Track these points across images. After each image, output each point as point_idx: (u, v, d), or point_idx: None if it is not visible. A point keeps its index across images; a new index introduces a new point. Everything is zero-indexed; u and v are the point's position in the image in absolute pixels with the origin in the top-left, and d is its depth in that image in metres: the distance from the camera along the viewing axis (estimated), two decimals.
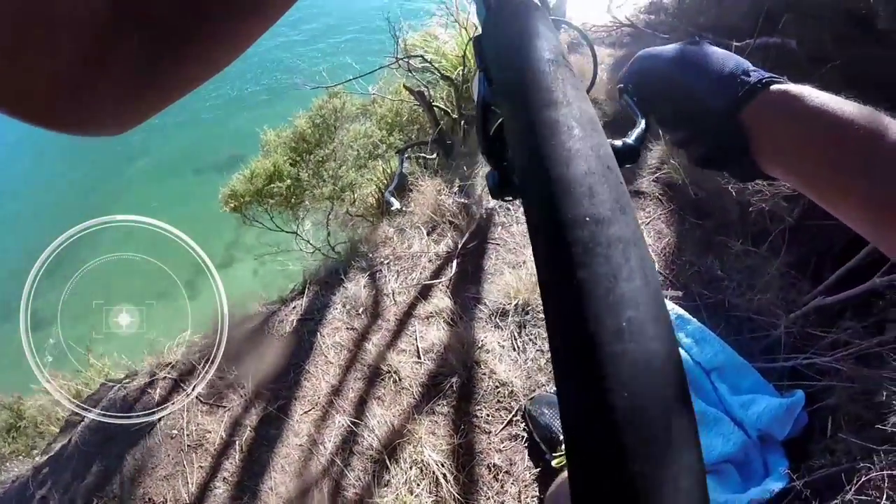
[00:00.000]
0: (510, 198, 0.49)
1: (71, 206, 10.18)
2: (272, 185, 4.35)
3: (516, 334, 2.48)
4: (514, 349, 2.44)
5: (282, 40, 13.91)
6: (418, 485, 2.18)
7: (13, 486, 3.10)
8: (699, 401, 2.07)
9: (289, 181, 4.32)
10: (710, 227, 2.62)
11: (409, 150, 4.23)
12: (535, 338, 2.45)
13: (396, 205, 3.51)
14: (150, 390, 2.91)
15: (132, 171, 10.60)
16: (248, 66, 12.51)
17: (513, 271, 2.70)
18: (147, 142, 11.14)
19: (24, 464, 3.38)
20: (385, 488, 2.19)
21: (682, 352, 2.16)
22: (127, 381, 3.17)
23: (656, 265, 2.57)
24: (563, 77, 0.37)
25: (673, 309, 2.28)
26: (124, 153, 11.11)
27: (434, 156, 4.13)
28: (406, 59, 4.34)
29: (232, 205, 4.39)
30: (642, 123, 0.55)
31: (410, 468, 2.22)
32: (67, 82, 0.28)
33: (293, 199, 4.41)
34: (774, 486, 1.80)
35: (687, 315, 2.25)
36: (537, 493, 2.06)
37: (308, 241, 4.61)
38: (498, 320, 2.54)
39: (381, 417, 2.39)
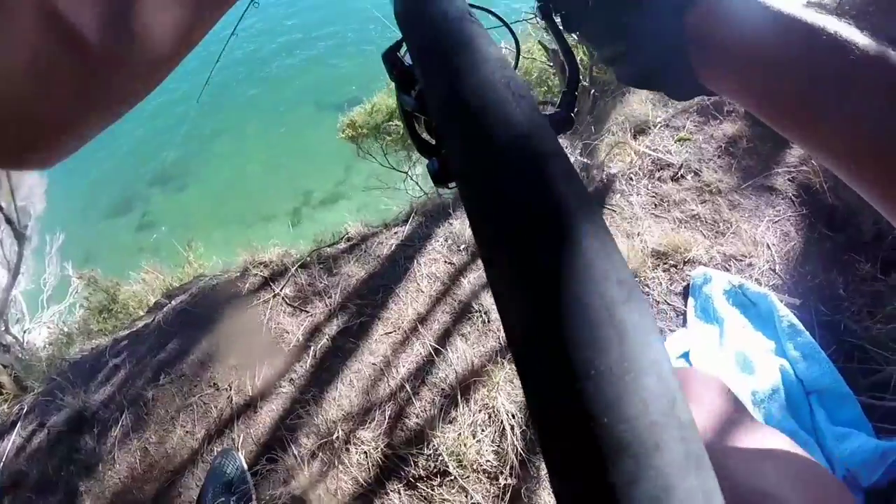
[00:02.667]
0: (452, 184, 0.46)
1: (195, 126, 10.68)
2: (391, 122, 4.30)
3: None
4: None
5: None
6: (483, 430, 2.06)
7: (91, 353, 3.19)
8: (792, 421, 1.91)
9: None
10: (840, 242, 2.37)
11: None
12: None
13: (454, 184, 3.36)
14: (239, 284, 2.90)
15: (258, 99, 10.97)
16: (382, 6, 12.68)
17: (626, 240, 2.54)
18: (279, 74, 11.50)
19: (108, 340, 3.49)
20: (449, 425, 2.09)
21: (786, 364, 2.03)
22: (220, 274, 3.19)
23: (777, 267, 2.39)
24: (468, 29, 0.40)
25: (786, 315, 2.13)
26: (255, 81, 11.52)
27: None
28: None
29: (350, 133, 4.39)
30: (568, 82, 0.52)
31: (480, 411, 2.10)
32: (15, 115, 0.30)
33: (409, 141, 4.35)
34: None
35: (800, 326, 2.09)
36: None
37: (417, 183, 4.56)
38: None
39: (462, 353, 2.27)
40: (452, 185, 0.46)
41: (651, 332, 0.24)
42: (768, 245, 2.44)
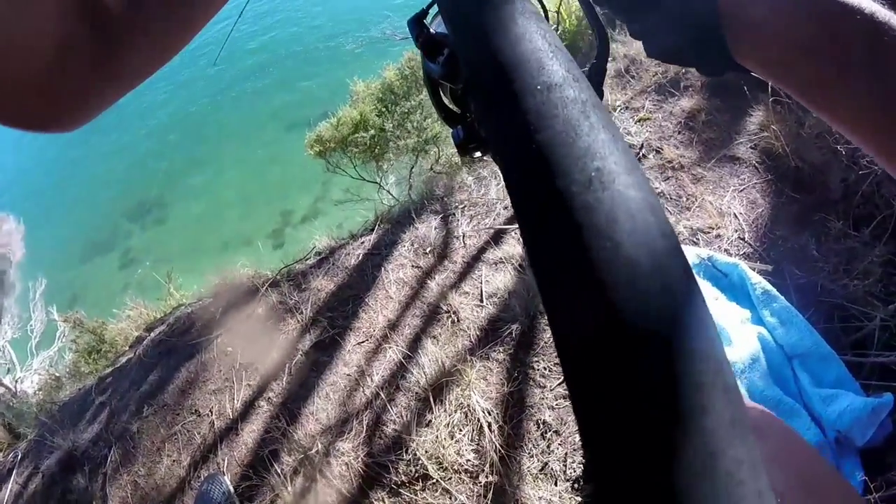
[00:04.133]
0: (478, 154, 0.49)
1: (168, 160, 10.69)
2: (357, 134, 4.32)
3: None
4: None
5: None
6: (460, 430, 2.08)
7: (78, 394, 3.22)
8: (776, 388, 1.88)
9: (373, 131, 4.28)
10: (809, 203, 2.37)
11: None
12: None
13: (478, 153, 3.39)
14: (212, 309, 2.93)
15: (228, 125, 11.01)
16: (340, 21, 12.77)
17: None
18: (247, 99, 11.55)
19: (94, 380, 3.51)
20: (426, 428, 2.10)
21: (764, 331, 1.99)
22: (195, 302, 3.22)
23: (746, 235, 2.39)
24: None
25: (759, 283, 2.11)
26: (223, 107, 11.56)
27: None
28: None
29: (317, 149, 4.41)
30: (599, 43, 0.52)
31: (455, 411, 2.12)
32: (35, 88, 0.32)
33: (377, 149, 4.38)
34: None
35: (774, 291, 2.06)
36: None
37: (389, 193, 4.58)
38: None
39: (432, 355, 2.29)
40: (477, 154, 0.49)
41: (697, 292, 0.23)
42: (735, 214, 2.46)
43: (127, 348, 3.81)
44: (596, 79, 0.48)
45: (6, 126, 0.33)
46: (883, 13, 0.44)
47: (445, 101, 0.52)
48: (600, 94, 0.44)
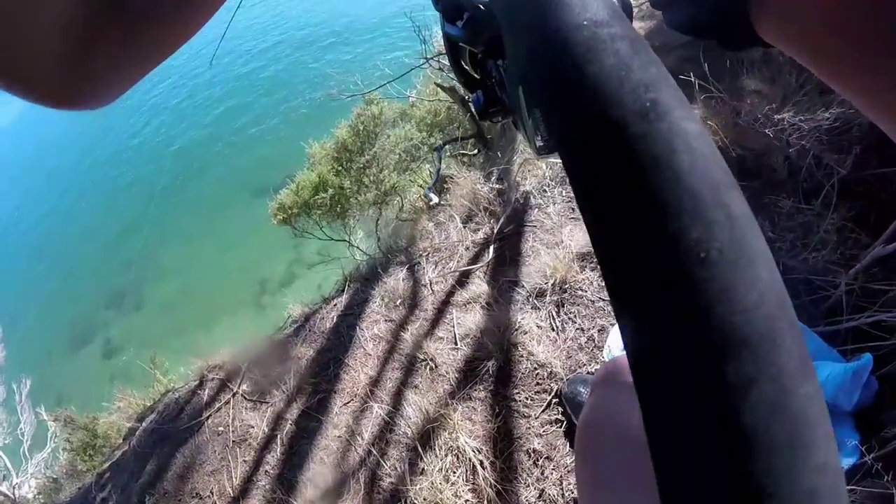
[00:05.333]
0: (499, 118, 0.48)
1: (132, 242, 10.70)
2: (318, 196, 4.42)
3: (554, 314, 2.40)
4: (553, 329, 2.36)
5: (312, 52, 14.37)
6: (454, 472, 2.13)
7: (78, 493, 3.23)
8: None
9: (332, 190, 4.38)
10: (757, 188, 2.47)
11: (448, 146, 4.22)
12: (574, 316, 2.37)
13: (435, 199, 3.51)
14: (199, 392, 2.97)
15: (194, 199, 11.07)
16: (287, 86, 12.97)
17: (549, 251, 2.64)
18: (208, 171, 11.64)
19: (92, 477, 3.51)
20: (420, 476, 2.15)
21: None
22: (182, 386, 3.26)
23: None
24: None
25: None
26: (186, 183, 11.64)
27: (475, 151, 4.11)
28: (436, 58, 4.36)
29: (281, 217, 4.49)
30: None
31: (446, 455, 2.17)
32: (62, 62, 0.32)
33: (339, 208, 4.47)
34: (844, 462, 1.65)
35: None
36: None
37: (358, 248, 4.66)
38: (535, 301, 2.48)
39: (416, 405, 2.35)
40: (497, 118, 0.49)
41: (754, 220, 0.22)
42: None
43: (121, 440, 3.82)
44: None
45: (33, 101, 0.33)
46: None
47: (465, 65, 0.51)
48: (631, 11, 0.43)
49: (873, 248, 1.95)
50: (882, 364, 1.79)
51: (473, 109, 0.48)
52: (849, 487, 1.58)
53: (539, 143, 0.43)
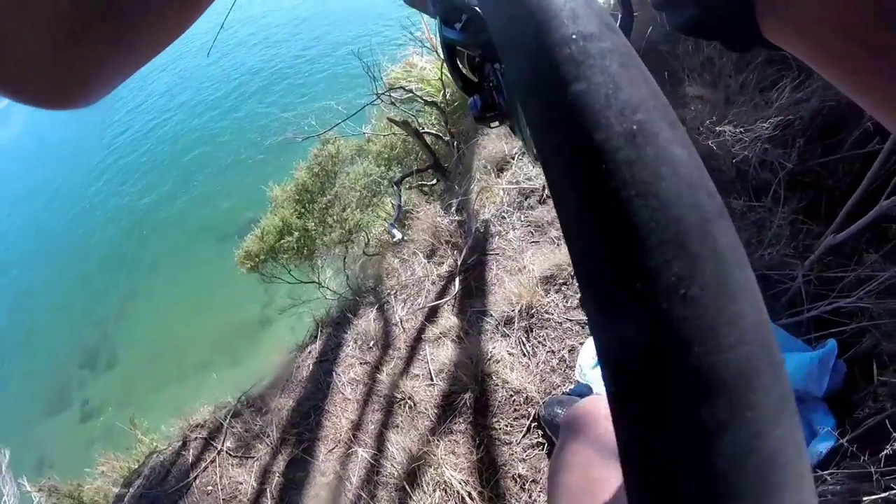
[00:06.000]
0: (496, 122, 0.48)
1: (106, 296, 10.56)
2: (283, 240, 4.45)
3: (524, 340, 2.47)
4: (524, 354, 2.43)
5: (260, 97, 14.41)
6: None
7: None
8: None
9: (297, 233, 4.42)
10: None
11: (406, 179, 4.29)
12: (544, 339, 2.44)
13: (398, 235, 3.56)
14: (183, 452, 2.98)
15: (157, 249, 10.98)
16: (241, 130, 12.98)
17: (513, 277, 2.70)
18: (169, 220, 11.55)
19: None
20: None
21: None
22: (166, 448, 3.25)
23: None
24: None
25: None
26: (148, 233, 11.55)
27: (434, 181, 4.18)
28: (387, 93, 4.44)
29: (248, 265, 4.51)
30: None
31: (434, 491, 2.22)
32: (49, 61, 0.32)
33: (305, 250, 4.51)
34: (821, 447, 1.71)
35: None
36: None
37: (329, 288, 4.68)
38: (504, 329, 2.55)
39: (399, 445, 2.40)
40: (494, 123, 0.48)
41: (742, 252, 0.22)
42: None
43: None
44: (627, 12, 0.46)
45: (19, 101, 0.33)
46: None
47: (463, 69, 0.50)
48: (631, 25, 0.43)
49: (825, 238, 2.00)
50: (846, 348, 1.85)
51: (471, 113, 0.47)
52: (829, 471, 1.66)
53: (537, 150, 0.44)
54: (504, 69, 0.36)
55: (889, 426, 1.56)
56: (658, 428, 0.19)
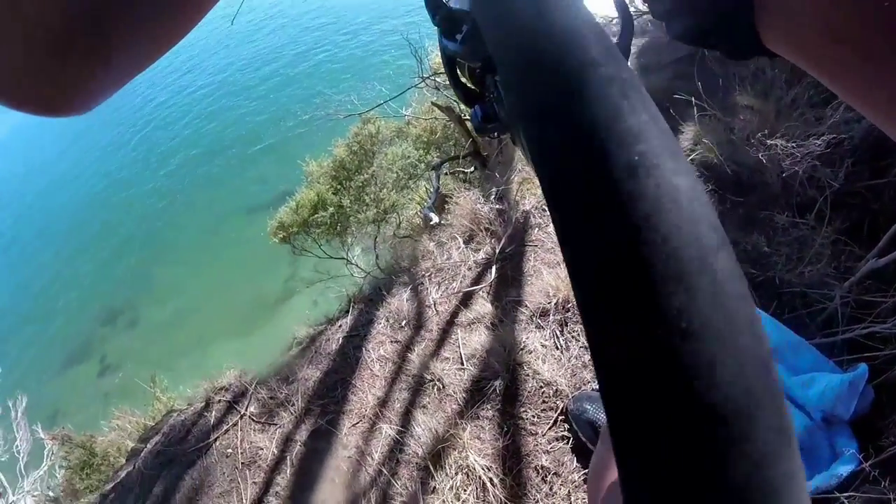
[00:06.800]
0: (496, 133, 0.48)
1: (133, 257, 10.68)
2: (317, 215, 4.46)
3: (558, 333, 2.45)
4: (557, 348, 2.41)
5: (309, 71, 14.44)
6: (465, 490, 2.16)
7: None
8: None
9: (332, 209, 4.42)
10: (752, 203, 2.53)
11: (445, 165, 4.27)
12: (578, 335, 2.42)
13: (435, 219, 3.55)
14: (206, 414, 2.99)
15: (188, 216, 11.07)
16: (284, 103, 13.02)
17: (551, 270, 2.68)
18: (203, 188, 11.64)
19: (95, 497, 3.51)
20: (432, 495, 2.19)
21: None
22: (187, 408, 3.27)
23: None
24: None
25: None
26: (181, 199, 11.65)
27: (472, 169, 4.17)
28: (432, 77, 4.42)
29: (281, 236, 4.53)
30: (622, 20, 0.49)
31: (456, 474, 2.21)
32: (44, 70, 0.32)
33: (338, 226, 4.51)
34: (842, 469, 1.70)
35: None
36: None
37: (358, 266, 4.69)
38: (539, 320, 2.53)
39: (425, 425, 2.39)
40: (495, 134, 0.47)
41: (744, 283, 0.21)
42: None
43: (124, 461, 3.82)
44: (625, 41, 0.46)
45: (14, 108, 0.33)
46: None
47: (463, 79, 0.50)
48: (628, 54, 0.42)
49: (867, 261, 1.99)
50: (877, 374, 1.83)
51: (471, 124, 0.47)
52: (848, 494, 1.64)
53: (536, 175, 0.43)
54: (503, 88, 0.34)
55: None
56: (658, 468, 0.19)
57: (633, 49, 4.26)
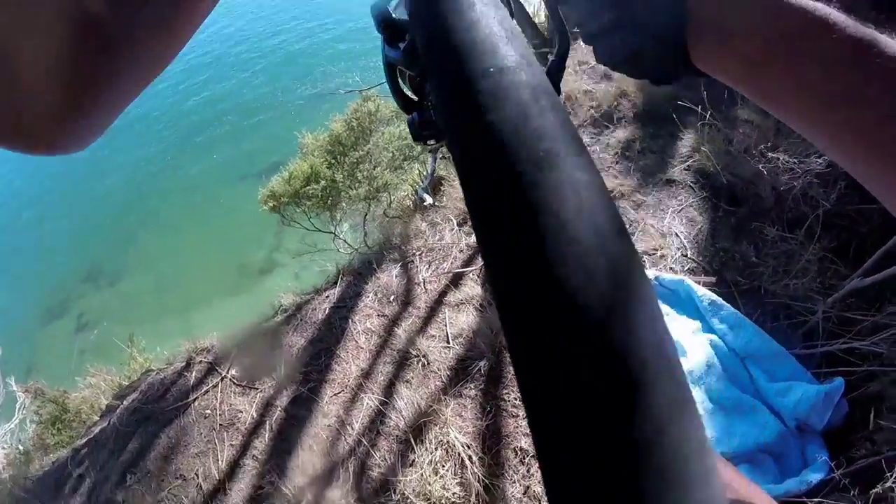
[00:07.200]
0: (432, 140, 0.48)
1: (119, 217, 10.56)
2: (309, 187, 4.44)
3: None
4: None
5: (313, 46, 14.31)
6: (443, 465, 2.19)
7: (53, 467, 3.21)
8: (734, 388, 2.03)
9: (324, 182, 4.41)
10: (744, 214, 2.59)
11: (442, 148, 4.26)
12: None
13: (429, 200, 3.55)
14: (186, 374, 2.98)
15: (178, 180, 10.96)
16: (286, 73, 12.91)
17: None
18: (194, 154, 11.53)
19: (67, 451, 3.49)
20: (410, 468, 2.21)
21: (715, 337, 2.14)
22: (166, 367, 3.26)
23: (689, 252, 2.57)
24: None
25: (705, 294, 2.26)
26: (171, 163, 11.53)
27: None
28: None
29: (271, 204, 4.50)
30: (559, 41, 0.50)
31: (436, 449, 2.23)
32: (48, 112, 0.32)
33: (329, 200, 4.50)
34: (813, 477, 1.75)
35: (720, 301, 2.22)
36: None
37: (345, 241, 4.68)
38: None
39: (408, 399, 2.41)
40: (431, 142, 0.48)
41: (638, 263, 0.23)
42: (676, 234, 2.65)
43: (97, 417, 3.80)
44: (556, 76, 0.46)
45: (17, 151, 0.33)
46: (861, 30, 0.42)
47: (403, 88, 0.50)
48: (558, 91, 0.43)
49: (851, 280, 2.06)
50: (853, 389, 1.90)
51: (409, 131, 0.47)
52: (817, 500, 1.69)
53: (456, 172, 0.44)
54: (432, 94, 0.37)
55: (884, 466, 1.61)
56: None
57: None
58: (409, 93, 0.50)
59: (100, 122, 0.37)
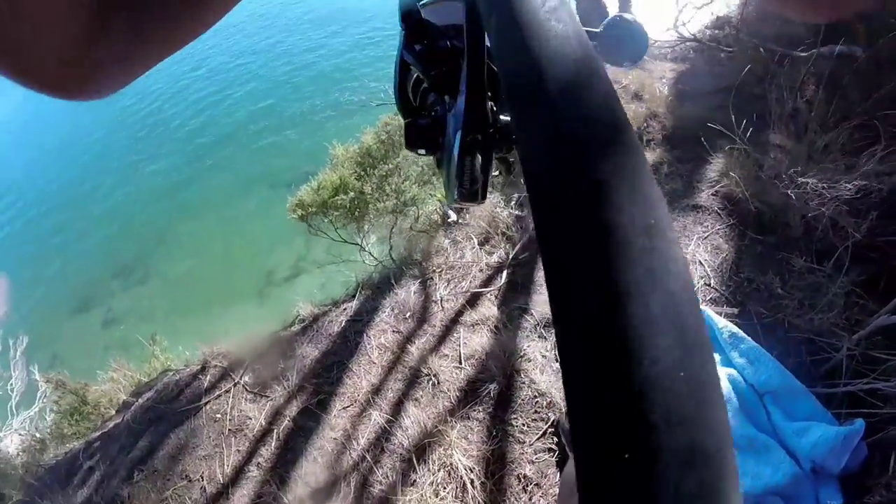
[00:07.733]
0: (424, 150, 0.48)
1: (154, 219, 10.77)
2: (337, 198, 4.46)
3: None
4: (557, 360, 2.40)
5: (346, 58, 14.46)
6: (444, 488, 2.16)
7: (65, 457, 3.26)
8: (749, 425, 1.96)
9: (353, 194, 4.42)
10: (771, 243, 2.52)
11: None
12: None
13: (454, 217, 3.55)
14: (201, 377, 3.01)
15: (210, 188, 11.13)
16: (318, 86, 13.06)
17: None
18: (227, 160, 11.72)
19: (80, 443, 3.54)
20: (411, 488, 2.19)
21: (734, 372, 2.08)
22: (183, 368, 3.30)
23: (712, 281, 2.50)
24: None
25: (726, 326, 2.19)
26: (209, 170, 11.73)
27: (496, 173, 4.15)
28: None
29: (299, 213, 4.53)
30: None
31: (439, 470, 2.21)
32: (66, 54, 0.33)
33: (357, 212, 4.51)
34: None
35: (741, 333, 2.15)
36: None
37: (371, 254, 4.69)
38: (543, 331, 2.53)
39: (415, 418, 2.39)
40: (422, 152, 0.48)
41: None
42: (700, 262, 2.59)
43: (113, 412, 3.85)
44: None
45: (34, 90, 0.33)
46: None
47: (407, 91, 0.51)
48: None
49: (879, 316, 1.98)
50: (874, 431, 1.81)
51: (404, 136, 0.47)
52: None
53: (457, 191, 0.43)
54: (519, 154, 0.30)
55: None
56: None
57: (672, 75, 4.24)
58: (411, 97, 0.51)
59: (114, 73, 0.37)
